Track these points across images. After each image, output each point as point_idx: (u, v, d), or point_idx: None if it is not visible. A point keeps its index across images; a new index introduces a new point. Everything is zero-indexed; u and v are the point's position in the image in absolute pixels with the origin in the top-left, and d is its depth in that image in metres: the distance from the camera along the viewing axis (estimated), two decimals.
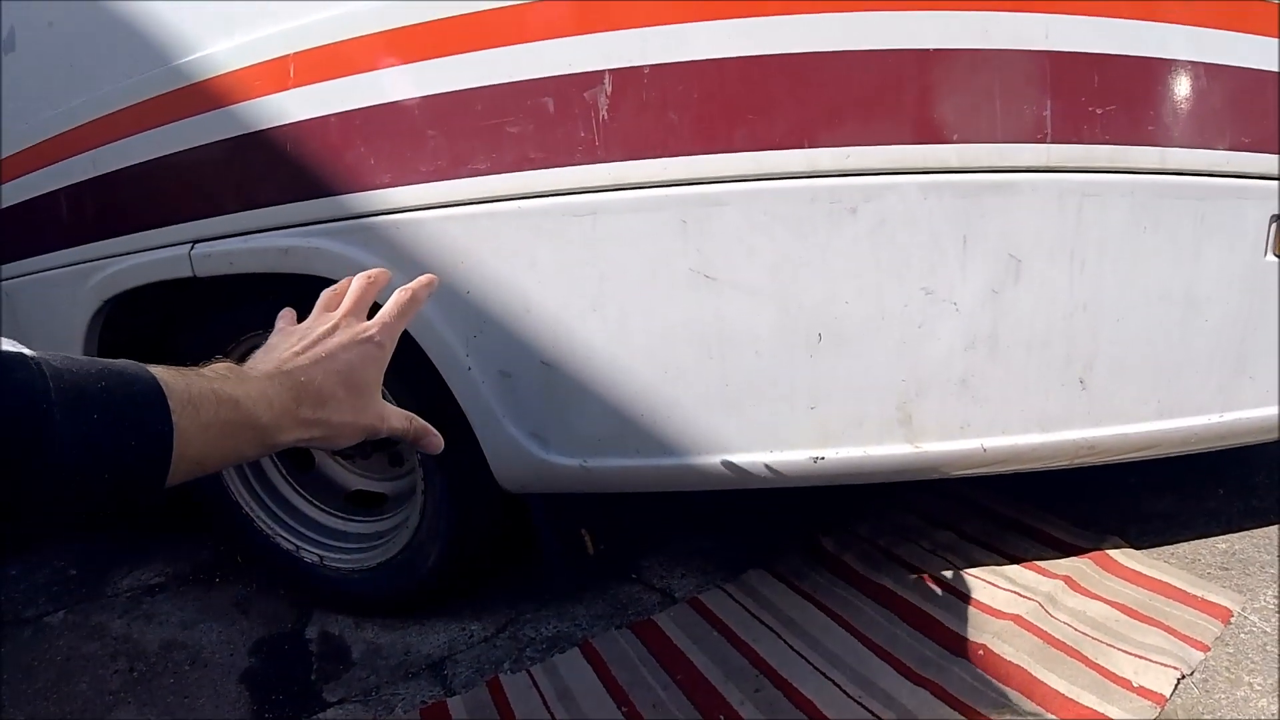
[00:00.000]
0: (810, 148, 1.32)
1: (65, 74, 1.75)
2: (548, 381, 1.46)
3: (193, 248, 1.66)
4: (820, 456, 1.44)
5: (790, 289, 1.37)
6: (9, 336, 1.96)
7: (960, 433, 1.46)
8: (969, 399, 1.44)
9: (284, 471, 2.04)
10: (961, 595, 1.83)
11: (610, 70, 1.32)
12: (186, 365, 0.68)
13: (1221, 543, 1.97)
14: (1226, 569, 1.87)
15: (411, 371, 1.55)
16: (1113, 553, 1.94)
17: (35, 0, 1.75)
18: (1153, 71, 1.36)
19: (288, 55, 1.49)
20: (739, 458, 1.45)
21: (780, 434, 1.43)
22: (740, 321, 1.38)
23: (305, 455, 2.08)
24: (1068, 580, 1.84)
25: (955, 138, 1.33)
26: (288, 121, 1.50)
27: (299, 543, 2.01)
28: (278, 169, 1.53)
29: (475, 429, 1.52)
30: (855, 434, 1.44)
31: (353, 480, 2.07)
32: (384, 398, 1.60)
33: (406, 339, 1.50)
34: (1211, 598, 1.74)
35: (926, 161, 1.33)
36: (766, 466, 1.45)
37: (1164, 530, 2.05)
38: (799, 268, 1.36)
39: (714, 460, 1.45)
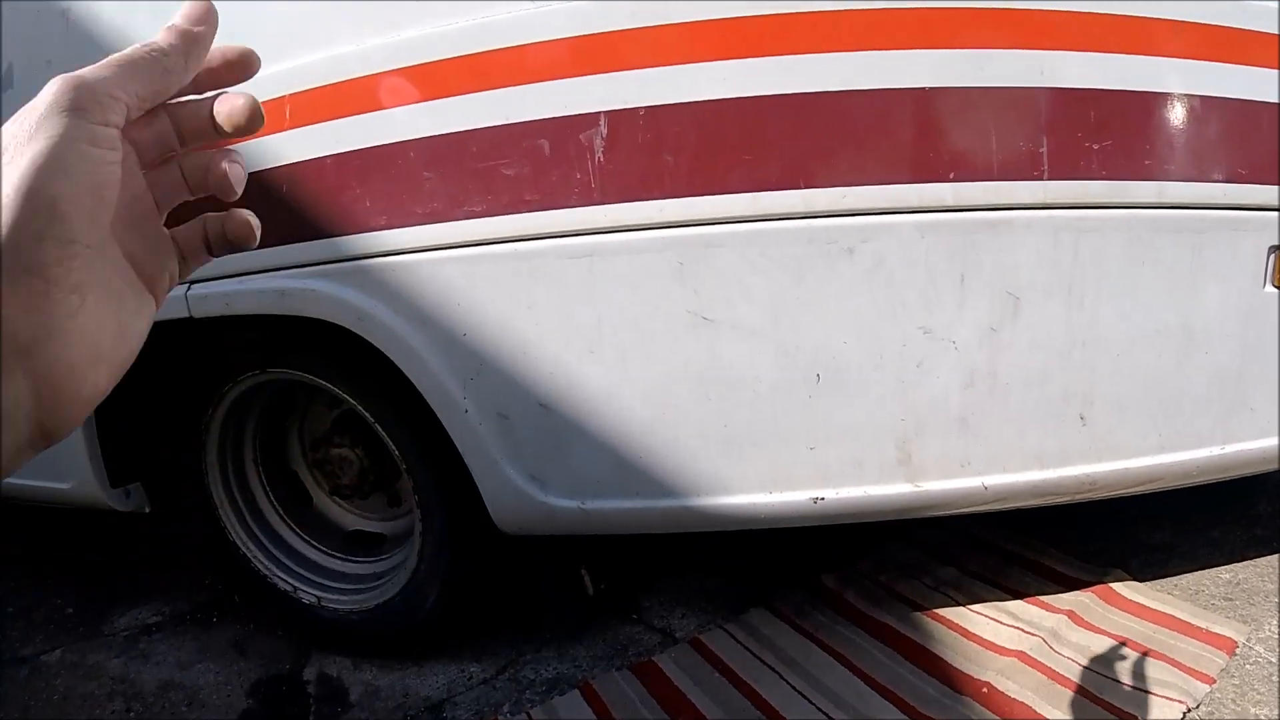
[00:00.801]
0: (806, 188, 1.32)
1: None
2: (546, 423, 1.45)
3: (189, 288, 1.65)
4: (820, 497, 1.44)
5: (788, 330, 1.37)
6: None
7: (961, 471, 1.46)
8: (969, 437, 1.44)
9: (281, 511, 2.03)
10: (964, 632, 1.81)
11: (606, 112, 1.32)
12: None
13: (1225, 573, 1.96)
14: (1230, 599, 1.86)
15: (407, 413, 1.54)
16: (1116, 585, 1.93)
17: (34, 37, 1.75)
18: (1149, 106, 1.37)
19: (284, 96, 1.49)
20: (738, 499, 1.44)
21: (780, 475, 1.43)
22: (738, 363, 1.38)
23: (303, 494, 2.07)
24: (1071, 615, 1.83)
25: (952, 176, 1.34)
26: (284, 162, 1.50)
27: (296, 583, 1.99)
28: (274, 210, 1.52)
29: (473, 471, 1.52)
30: (855, 474, 1.44)
31: (351, 520, 2.06)
32: (379, 439, 1.58)
33: (402, 381, 1.51)
34: (1216, 629, 1.73)
35: (923, 200, 1.33)
36: (766, 507, 1.44)
37: (1166, 561, 2.03)
38: (797, 308, 1.36)
39: (713, 501, 1.44)
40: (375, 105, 1.42)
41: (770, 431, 1.41)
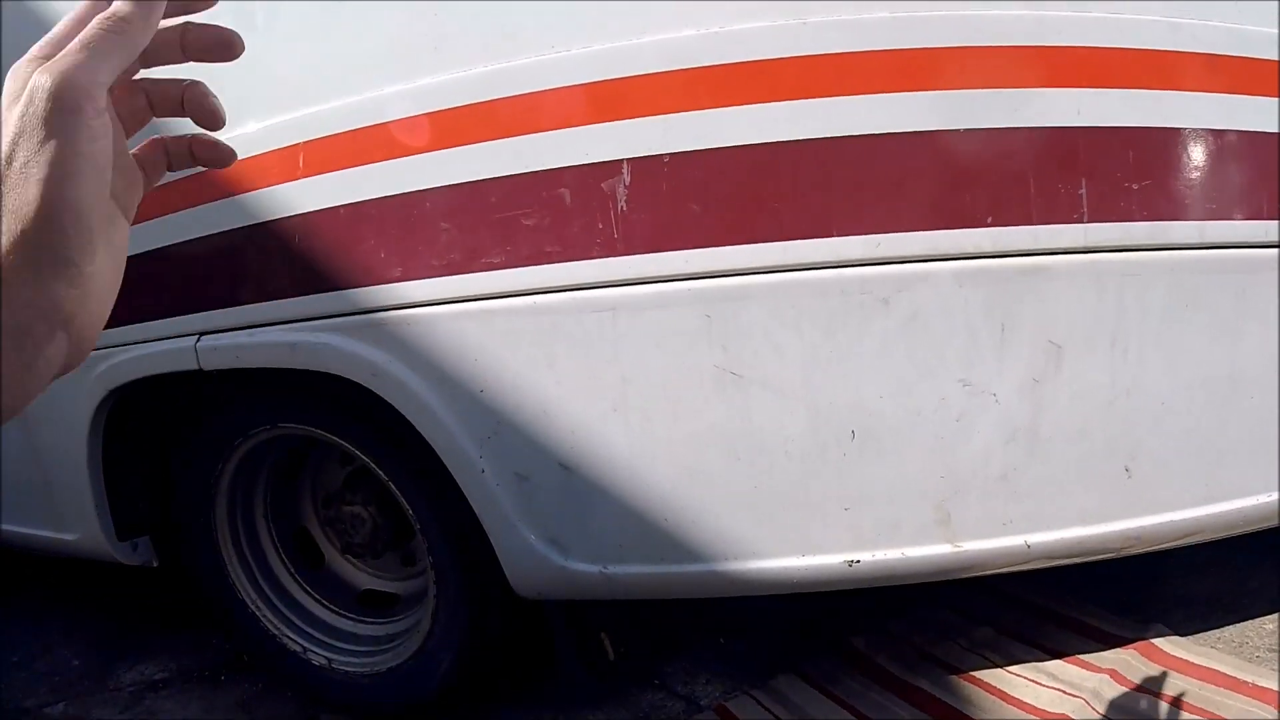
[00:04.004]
0: (838, 236, 1.28)
1: None
2: (567, 485, 1.40)
3: (199, 340, 1.62)
4: (855, 560, 1.38)
5: (821, 386, 1.32)
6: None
7: (1002, 530, 1.40)
8: (1010, 495, 1.38)
9: (292, 569, 1.99)
10: (1003, 695, 1.74)
11: (629, 159, 1.29)
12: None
13: (1268, 623, 1.89)
14: (1274, 650, 1.80)
15: (422, 471, 1.50)
16: (1157, 641, 1.85)
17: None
18: (1189, 143, 1.33)
19: (298, 144, 1.46)
20: (769, 563, 1.38)
21: (812, 538, 1.37)
22: (769, 421, 1.33)
23: (315, 552, 2.03)
24: (1113, 674, 1.75)
25: (989, 221, 1.29)
26: (297, 212, 1.47)
27: (306, 644, 1.94)
28: (286, 261, 1.50)
29: (490, 534, 1.46)
30: (892, 536, 1.38)
31: (363, 579, 2.02)
32: (393, 498, 1.52)
33: (417, 438, 1.46)
34: (1263, 683, 1.66)
35: (960, 247, 1.29)
36: (799, 572, 1.38)
37: (1208, 614, 1.96)
38: (829, 363, 1.31)
39: (743, 566, 1.39)
40: (390, 154, 1.40)
41: (802, 492, 1.36)
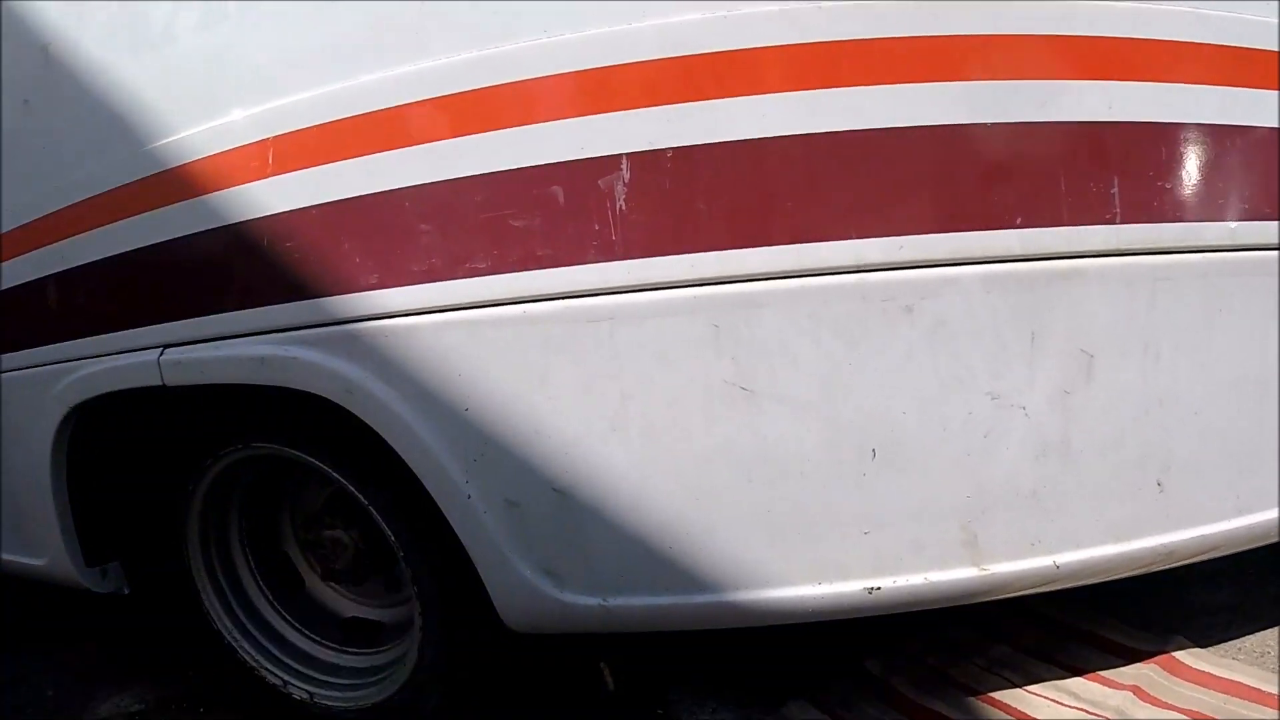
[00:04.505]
0: (859, 238, 1.21)
1: (37, 156, 1.65)
2: (562, 511, 1.31)
3: (162, 353, 1.53)
4: (876, 587, 1.31)
5: (839, 401, 1.25)
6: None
7: (1031, 550, 1.35)
8: (1039, 513, 1.33)
9: (270, 596, 1.90)
10: (1024, 717, 1.69)
11: (628, 154, 1.21)
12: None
13: None
14: None
15: (404, 495, 1.42)
16: (1179, 654, 1.82)
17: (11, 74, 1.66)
18: (1222, 141, 1.31)
19: (266, 139, 1.38)
20: (784, 591, 1.31)
21: (830, 564, 1.30)
22: (783, 440, 1.25)
23: (295, 577, 1.94)
24: (1136, 690, 1.71)
25: (1019, 222, 1.24)
26: (265, 214, 1.39)
27: (287, 677, 1.85)
28: (254, 267, 1.41)
29: (477, 564, 1.37)
30: (915, 560, 1.32)
31: (346, 606, 1.92)
32: (376, 528, 1.46)
33: (398, 460, 1.39)
34: None
35: (988, 250, 1.24)
36: (815, 600, 1.31)
37: (1228, 624, 1.94)
38: (849, 376, 1.24)
39: (756, 595, 1.31)
40: (366, 149, 1.31)
41: (820, 516, 1.28)
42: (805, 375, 1.23)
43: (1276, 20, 1.28)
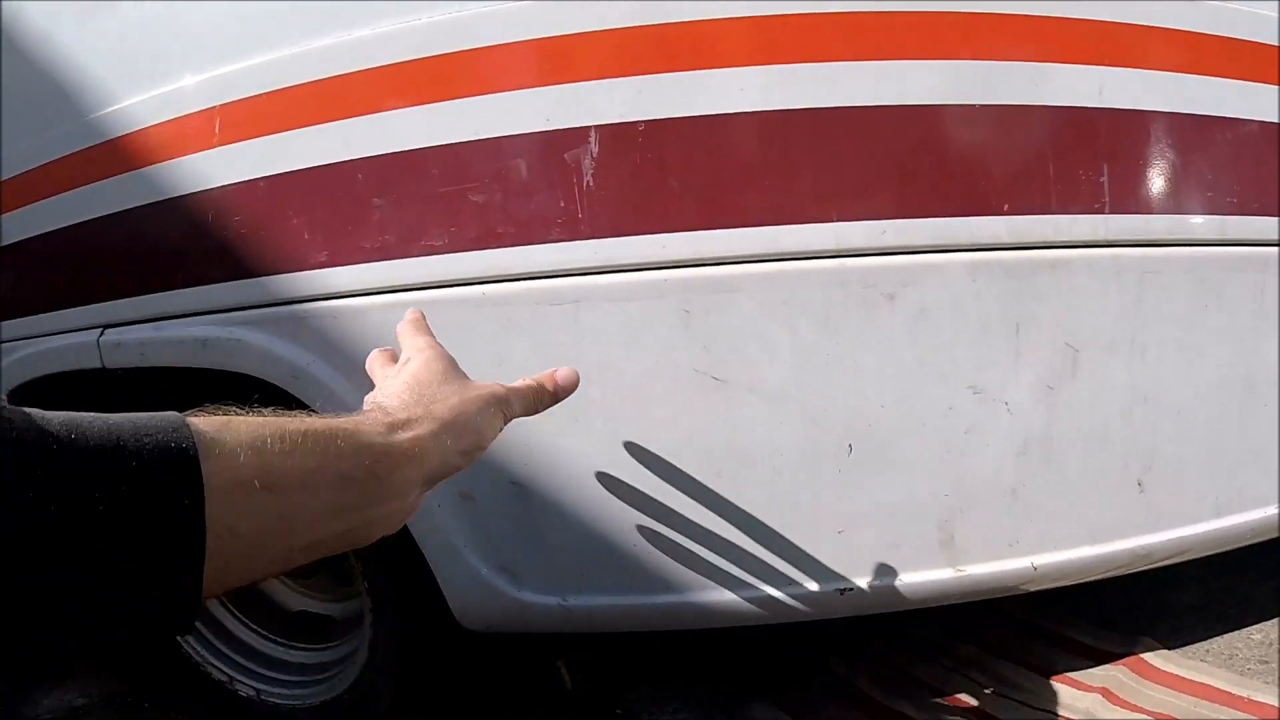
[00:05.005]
0: (840, 221, 1.15)
1: None
2: (519, 506, 1.25)
3: (102, 334, 1.45)
4: (848, 588, 1.25)
5: (816, 392, 1.19)
6: None
7: (1008, 551, 1.31)
8: (1019, 512, 1.29)
9: None
10: (992, 719, 1.66)
11: (597, 126, 1.14)
12: None
13: (1256, 633, 1.86)
14: (1265, 661, 1.77)
15: None
16: (1147, 656, 1.80)
17: None
18: (1214, 132, 1.27)
19: (214, 108, 1.29)
20: (752, 592, 1.25)
21: (802, 563, 1.24)
22: (756, 432, 1.19)
23: None
24: (1104, 692, 1.69)
25: (1006, 208, 1.19)
26: (211, 186, 1.30)
27: (233, 673, 1.78)
28: (198, 243, 1.33)
29: (430, 560, 1.30)
30: (889, 560, 1.27)
31: (295, 600, 1.85)
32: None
33: None
34: (1257, 697, 1.62)
35: (975, 237, 1.18)
36: (783, 603, 1.25)
37: (1196, 625, 1.93)
38: (826, 366, 1.18)
39: (721, 596, 1.25)
40: (316, 118, 1.23)
41: (792, 513, 1.22)
42: (780, 365, 1.17)
43: (1277, 15, 1.25)
